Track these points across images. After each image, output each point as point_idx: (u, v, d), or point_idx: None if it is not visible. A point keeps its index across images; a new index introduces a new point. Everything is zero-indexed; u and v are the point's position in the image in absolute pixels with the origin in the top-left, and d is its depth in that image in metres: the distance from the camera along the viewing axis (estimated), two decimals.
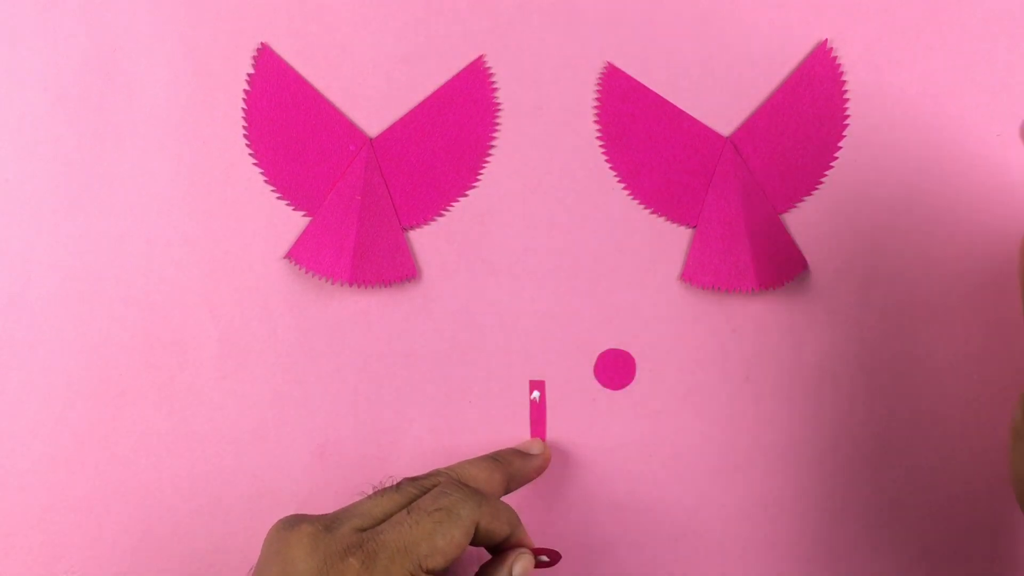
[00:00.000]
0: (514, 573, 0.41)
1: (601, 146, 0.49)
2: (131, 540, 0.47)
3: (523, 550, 0.42)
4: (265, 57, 0.48)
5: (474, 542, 0.40)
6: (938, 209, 0.48)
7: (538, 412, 0.47)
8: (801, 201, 0.49)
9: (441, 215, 0.49)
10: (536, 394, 0.47)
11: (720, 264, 0.48)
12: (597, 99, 0.49)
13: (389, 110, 0.49)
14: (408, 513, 0.38)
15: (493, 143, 0.49)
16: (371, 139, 0.49)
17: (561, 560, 0.45)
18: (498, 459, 0.45)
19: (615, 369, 0.48)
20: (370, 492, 0.40)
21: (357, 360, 0.48)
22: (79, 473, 0.47)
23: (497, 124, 0.49)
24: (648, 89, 0.49)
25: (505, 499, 0.44)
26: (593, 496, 0.49)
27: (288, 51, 0.48)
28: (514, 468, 0.45)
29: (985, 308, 0.48)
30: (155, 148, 0.48)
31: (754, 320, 0.48)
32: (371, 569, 0.36)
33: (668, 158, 0.49)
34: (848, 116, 0.49)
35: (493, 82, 0.49)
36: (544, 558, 0.44)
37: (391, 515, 0.38)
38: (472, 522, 0.39)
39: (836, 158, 0.49)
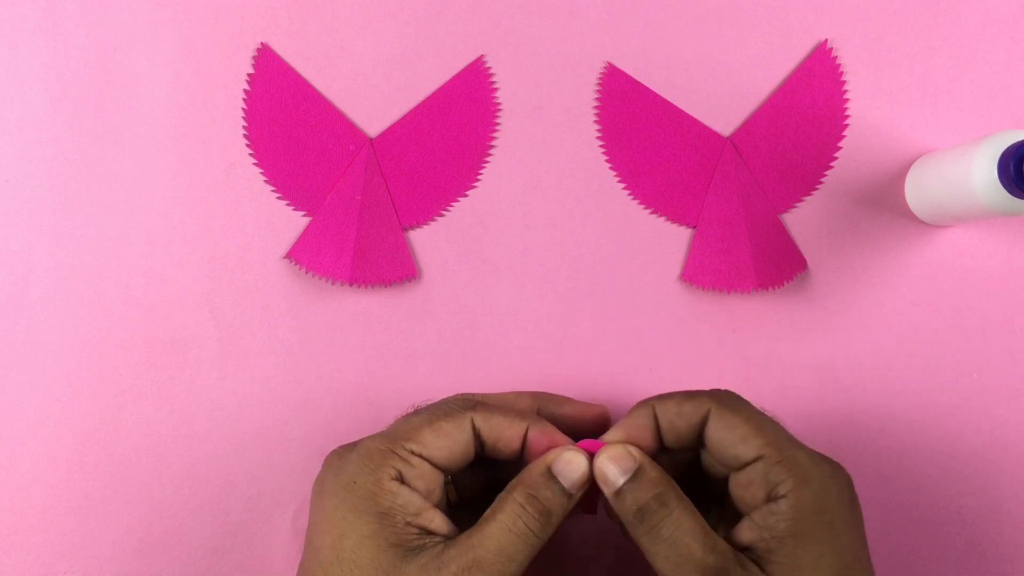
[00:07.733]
0: (555, 469, 0.38)
1: (601, 146, 0.49)
2: (131, 540, 0.47)
3: (564, 447, 0.39)
4: (265, 57, 0.48)
5: (490, 451, 0.39)
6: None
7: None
8: (801, 201, 0.49)
9: (441, 215, 0.49)
10: None
11: (720, 264, 0.48)
12: (597, 99, 0.49)
13: (389, 110, 0.49)
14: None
15: (493, 143, 0.49)
16: (371, 139, 0.49)
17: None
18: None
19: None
20: None
21: (357, 360, 0.48)
22: (79, 473, 0.47)
23: (497, 124, 0.49)
24: (648, 89, 0.49)
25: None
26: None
27: (288, 51, 0.48)
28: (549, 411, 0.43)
29: (984, 307, 0.48)
30: (155, 148, 0.48)
31: (754, 320, 0.48)
32: (353, 447, 0.39)
33: (668, 158, 0.49)
34: (848, 116, 0.49)
35: (493, 82, 0.49)
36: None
37: None
38: (463, 416, 0.38)
39: (836, 158, 0.49)
